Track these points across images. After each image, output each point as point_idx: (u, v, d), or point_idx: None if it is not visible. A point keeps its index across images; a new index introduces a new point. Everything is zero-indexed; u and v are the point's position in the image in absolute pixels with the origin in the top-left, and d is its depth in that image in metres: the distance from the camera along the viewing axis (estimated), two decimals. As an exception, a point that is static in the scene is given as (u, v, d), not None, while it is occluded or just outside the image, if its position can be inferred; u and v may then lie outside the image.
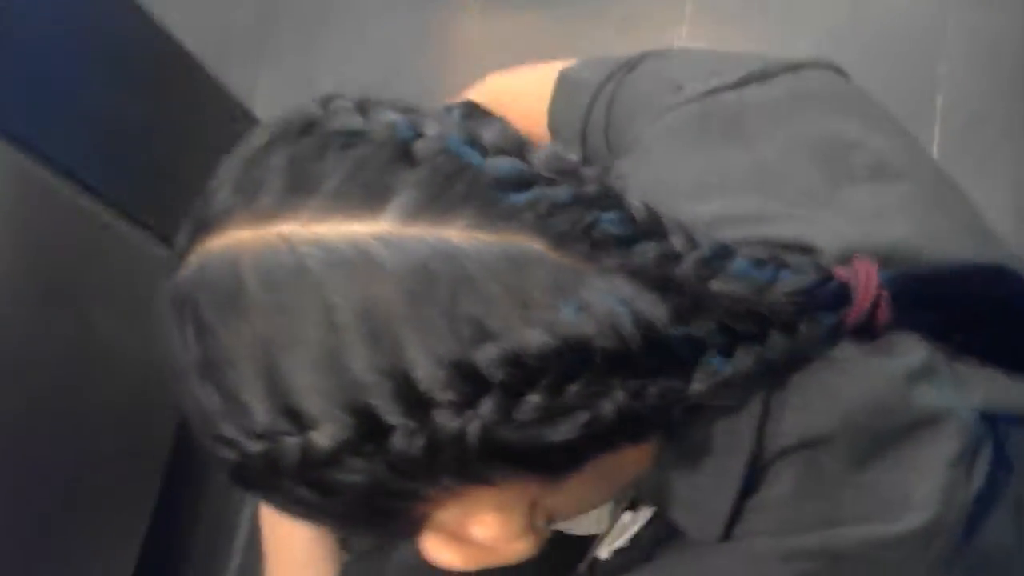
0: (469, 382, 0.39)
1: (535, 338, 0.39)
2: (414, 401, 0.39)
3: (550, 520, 0.48)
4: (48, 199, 1.06)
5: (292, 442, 0.40)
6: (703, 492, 0.48)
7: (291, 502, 0.44)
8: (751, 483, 0.47)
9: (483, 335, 0.39)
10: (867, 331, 0.46)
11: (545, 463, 0.43)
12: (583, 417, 0.41)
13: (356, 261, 0.39)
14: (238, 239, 0.41)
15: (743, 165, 0.51)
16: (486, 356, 0.39)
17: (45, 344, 1.05)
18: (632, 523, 0.55)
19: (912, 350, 0.47)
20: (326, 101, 0.44)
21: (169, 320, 0.43)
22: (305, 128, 0.43)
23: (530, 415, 0.40)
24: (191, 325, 0.42)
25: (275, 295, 0.40)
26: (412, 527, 0.46)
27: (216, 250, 0.42)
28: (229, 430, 0.42)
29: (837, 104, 0.55)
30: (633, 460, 0.48)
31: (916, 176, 0.54)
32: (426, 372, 0.39)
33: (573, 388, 0.40)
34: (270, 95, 1.67)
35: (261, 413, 0.40)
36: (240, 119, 1.48)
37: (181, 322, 0.42)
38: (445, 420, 0.39)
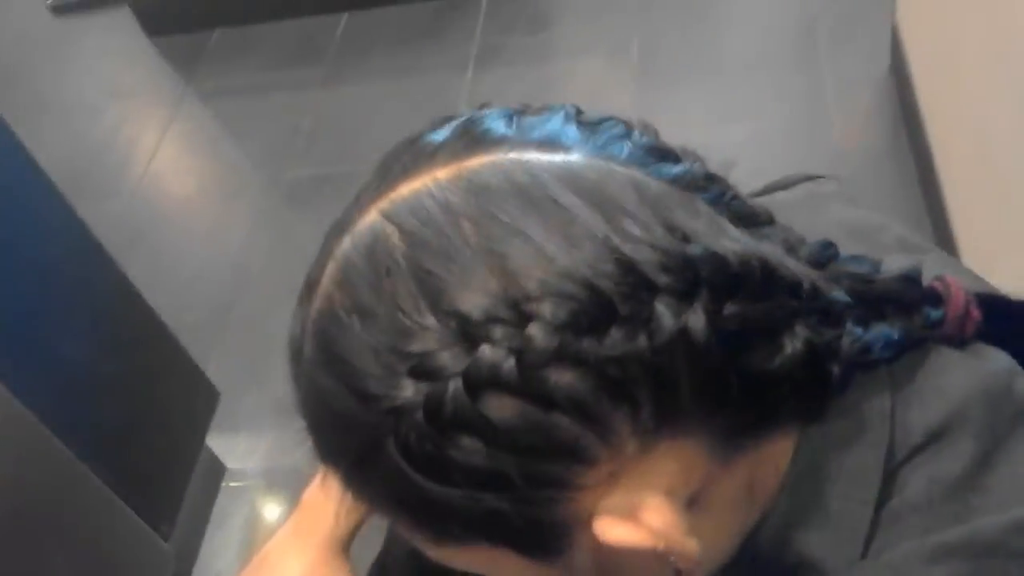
0: (684, 271, 0.40)
1: (731, 245, 0.42)
2: (638, 282, 0.40)
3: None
4: (21, 442, 1.07)
5: (508, 336, 0.39)
6: (840, 500, 0.46)
7: (470, 455, 0.40)
8: (884, 491, 0.46)
9: (688, 237, 0.41)
10: (961, 335, 0.49)
11: (735, 406, 0.43)
12: (774, 348, 0.43)
13: (564, 173, 0.43)
14: (433, 178, 0.43)
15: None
16: (696, 251, 0.41)
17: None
18: None
19: (1001, 355, 0.49)
20: (480, 105, 0.48)
21: (350, 274, 0.43)
22: (453, 116, 0.46)
23: (733, 323, 0.41)
24: (394, 252, 0.42)
25: (491, 198, 0.41)
26: (572, 520, 0.43)
27: (403, 193, 0.43)
28: (432, 341, 0.40)
29: (852, 201, 0.62)
30: (775, 463, 0.47)
31: (935, 250, 0.59)
32: (648, 256, 0.40)
33: (765, 306, 0.42)
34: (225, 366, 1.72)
35: (482, 303, 0.40)
36: (201, 390, 1.53)
37: (374, 261, 0.42)
38: (666, 310, 0.40)
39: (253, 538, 1.60)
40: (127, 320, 1.42)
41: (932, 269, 0.53)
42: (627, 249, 0.40)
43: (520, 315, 0.39)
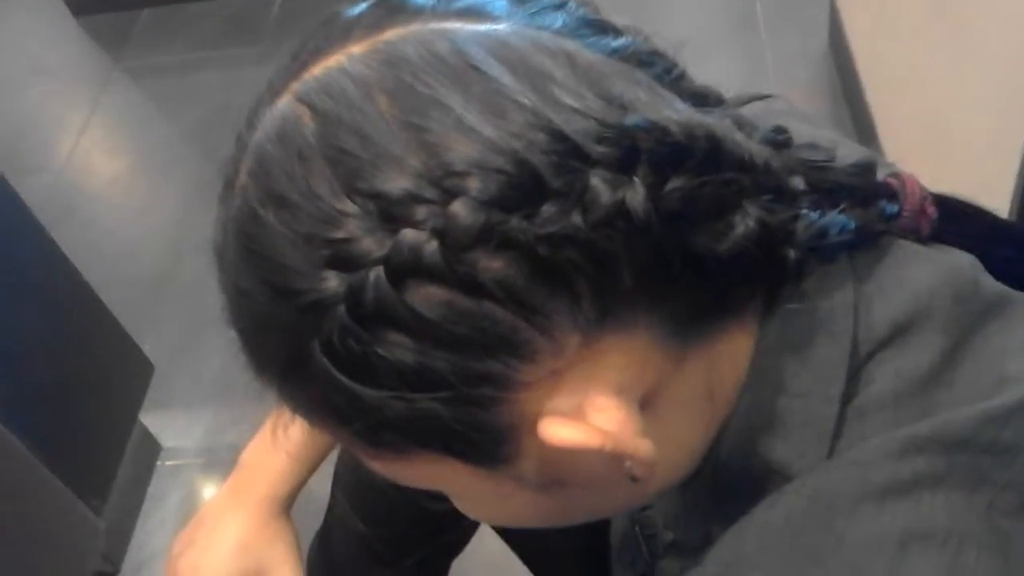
0: (621, 141, 0.38)
1: (674, 116, 0.39)
2: (570, 154, 0.37)
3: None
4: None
5: (431, 215, 0.36)
6: (804, 399, 0.45)
7: (397, 351, 0.38)
8: (849, 387, 0.44)
9: (626, 107, 0.39)
10: (917, 232, 0.48)
11: (682, 294, 0.41)
12: (723, 227, 0.40)
13: (490, 42, 0.39)
14: (347, 54, 0.40)
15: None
16: (634, 121, 0.38)
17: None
18: None
19: (962, 252, 0.48)
20: None
21: (263, 161, 0.40)
22: None
23: (677, 199, 0.38)
24: (306, 134, 0.39)
25: (409, 70, 0.38)
26: (514, 424, 0.40)
27: (316, 73, 0.40)
28: (352, 228, 0.37)
29: (805, 118, 0.59)
30: (733, 358, 0.45)
31: (891, 165, 0.62)
32: (580, 126, 0.37)
33: (713, 181, 0.39)
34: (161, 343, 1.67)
35: (400, 181, 0.37)
36: (134, 362, 1.48)
37: (286, 145, 0.39)
38: (602, 184, 0.37)
39: (191, 518, 1.55)
40: (56, 287, 1.37)
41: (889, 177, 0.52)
42: (558, 118, 0.37)
43: (443, 192, 0.36)
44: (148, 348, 1.60)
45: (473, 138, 0.37)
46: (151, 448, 1.58)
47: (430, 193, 0.36)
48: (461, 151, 0.36)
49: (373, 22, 0.41)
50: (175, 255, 1.89)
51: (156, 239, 1.95)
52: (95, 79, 2.37)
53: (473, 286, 0.37)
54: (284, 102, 0.40)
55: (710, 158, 0.39)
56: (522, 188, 0.36)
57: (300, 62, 0.41)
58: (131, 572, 1.49)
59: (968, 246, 0.49)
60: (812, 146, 0.47)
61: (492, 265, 0.36)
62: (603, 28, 0.43)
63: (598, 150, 0.37)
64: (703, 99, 0.45)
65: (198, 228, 1.92)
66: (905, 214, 0.47)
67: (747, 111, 0.59)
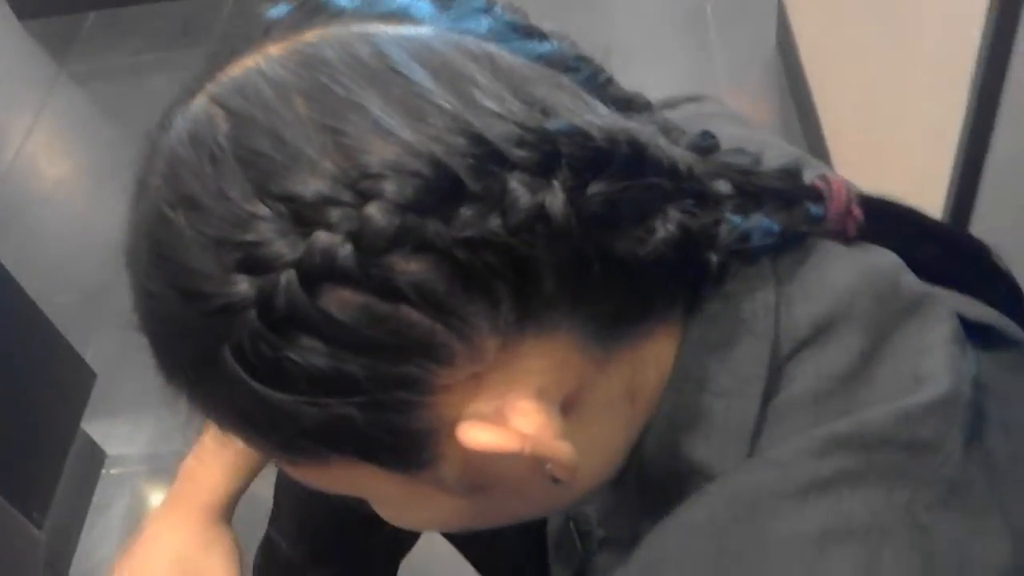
0: (541, 145, 0.37)
1: (597, 121, 0.39)
2: (489, 157, 0.36)
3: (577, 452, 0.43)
4: None
5: (345, 218, 0.35)
6: (726, 399, 0.45)
7: (311, 355, 0.37)
8: (769, 386, 0.44)
9: (547, 111, 0.38)
10: (843, 234, 0.48)
11: (602, 299, 0.40)
12: (644, 232, 0.40)
13: (412, 45, 0.39)
14: (264, 55, 0.39)
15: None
16: (555, 125, 0.38)
17: None
18: None
19: (886, 251, 0.49)
20: None
21: (173, 163, 0.39)
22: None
23: (598, 204, 0.38)
24: (218, 136, 0.37)
25: (327, 71, 0.37)
26: (433, 427, 0.40)
27: (231, 74, 0.39)
28: (262, 230, 0.36)
29: (735, 120, 0.61)
30: (655, 364, 0.45)
31: (822, 167, 0.60)
32: (500, 129, 0.37)
33: (634, 186, 0.39)
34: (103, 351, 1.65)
35: (316, 184, 0.36)
36: (74, 369, 1.45)
37: (198, 146, 0.38)
38: (520, 188, 0.36)
39: (136, 527, 1.52)
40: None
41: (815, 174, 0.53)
42: (478, 122, 0.37)
43: (359, 195, 0.35)
44: (91, 355, 1.58)
45: (390, 141, 0.36)
46: (95, 456, 1.56)
47: (345, 196, 0.35)
48: (377, 153, 0.35)
49: (293, 23, 0.40)
50: (119, 261, 1.86)
51: (100, 245, 1.92)
52: (40, 83, 2.33)
53: (388, 290, 0.36)
54: (198, 103, 0.39)
55: (632, 163, 0.39)
56: (439, 191, 0.35)
57: (216, 63, 0.40)
58: (84, 576, 1.47)
59: (894, 246, 0.49)
60: (738, 151, 0.47)
61: (408, 269, 0.36)
62: (529, 33, 0.43)
63: (517, 154, 0.36)
64: (629, 104, 0.45)
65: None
66: (830, 216, 0.47)
67: (678, 114, 0.60)
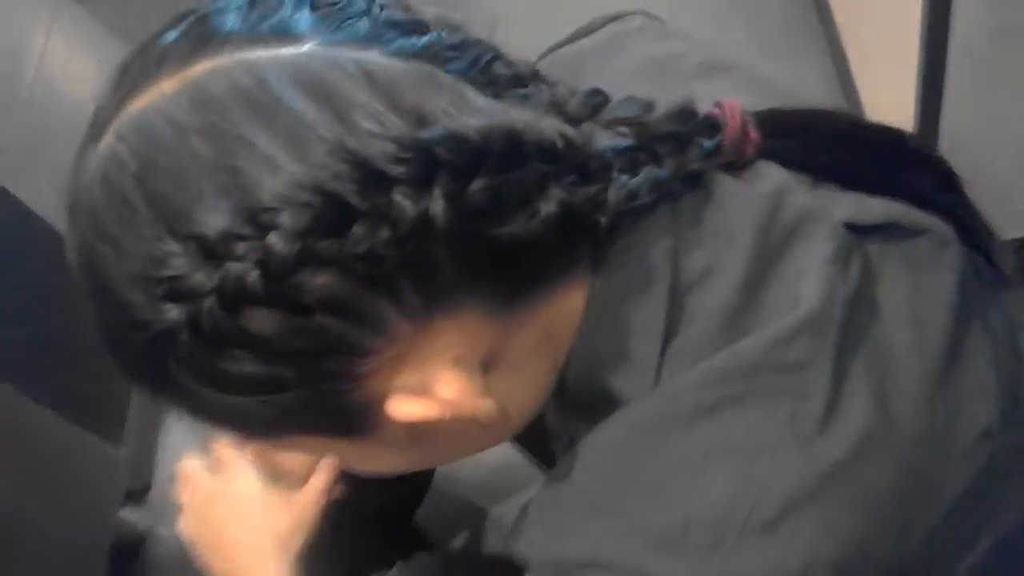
0: (420, 157, 0.41)
1: (472, 121, 0.43)
2: (372, 178, 0.40)
3: (502, 404, 0.49)
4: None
5: (251, 249, 0.40)
6: (631, 340, 0.49)
7: (242, 365, 0.42)
8: (671, 327, 0.49)
9: (425, 120, 0.42)
10: (741, 158, 0.51)
11: (501, 275, 0.45)
12: (529, 213, 0.44)
13: (292, 70, 0.42)
14: (160, 92, 0.43)
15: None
16: (431, 134, 0.41)
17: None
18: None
19: (775, 171, 0.52)
20: None
21: (91, 199, 0.43)
22: (189, 12, 0.46)
23: (480, 198, 0.42)
24: (125, 178, 0.42)
25: (217, 109, 0.41)
26: (369, 402, 0.46)
27: (132, 111, 0.43)
28: (180, 265, 0.41)
29: (657, 35, 0.64)
30: (567, 312, 0.50)
31: (743, 67, 0.62)
32: (380, 148, 0.41)
33: (514, 176, 0.43)
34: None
35: (219, 222, 0.40)
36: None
37: (110, 187, 0.42)
38: (404, 200, 0.41)
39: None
40: (34, 242, 1.41)
41: (725, 93, 0.54)
42: (357, 146, 0.41)
43: (259, 227, 0.40)
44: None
45: (280, 175, 0.40)
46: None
47: (246, 230, 0.40)
48: (270, 188, 0.40)
49: (183, 54, 0.44)
50: None
51: None
52: (44, 6, 2.32)
53: (299, 306, 0.41)
54: (106, 143, 0.44)
55: (509, 155, 0.43)
56: (330, 216, 0.40)
57: (119, 97, 0.44)
58: (163, 484, 1.60)
59: (795, 157, 0.52)
60: (628, 100, 0.51)
61: (314, 284, 0.41)
62: (407, 28, 0.46)
63: (397, 170, 0.41)
64: (514, 80, 0.48)
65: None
66: (725, 145, 0.51)
67: (593, 40, 0.62)
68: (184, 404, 0.47)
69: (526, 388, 0.52)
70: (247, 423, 0.47)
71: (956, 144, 1.08)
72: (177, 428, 1.61)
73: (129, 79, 0.44)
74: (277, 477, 0.77)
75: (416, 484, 1.03)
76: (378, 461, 0.53)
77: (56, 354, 1.38)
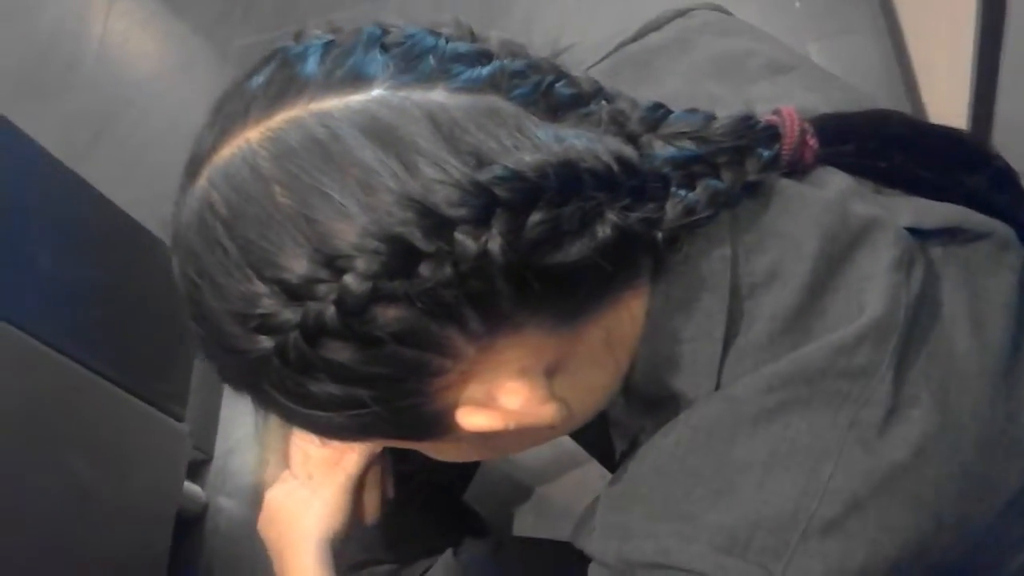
0: (479, 198, 0.43)
1: (528, 158, 0.44)
2: (435, 222, 0.43)
3: (567, 403, 0.51)
4: (19, 359, 1.12)
5: (329, 290, 0.43)
6: (694, 343, 0.51)
7: (326, 387, 0.46)
8: (732, 329, 0.50)
9: (483, 160, 0.44)
10: (801, 164, 0.52)
11: (560, 297, 0.47)
12: (586, 240, 0.45)
13: (361, 118, 0.44)
14: (245, 139, 0.45)
15: (656, 100, 0.54)
16: (490, 174, 0.43)
17: (31, 493, 1.12)
18: None
19: (839, 177, 0.53)
20: (296, 34, 0.49)
21: (191, 238, 0.47)
22: (277, 52, 0.49)
23: (537, 231, 0.44)
24: (218, 224, 0.45)
25: (295, 161, 0.44)
26: (441, 412, 0.49)
27: (224, 157, 0.46)
28: (268, 304, 0.44)
29: (723, 30, 0.64)
30: (629, 318, 0.51)
31: (803, 66, 0.63)
32: (442, 194, 0.43)
33: (570, 206, 0.45)
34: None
35: (299, 267, 0.43)
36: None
37: (206, 230, 0.46)
38: (465, 239, 0.43)
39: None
40: (94, 222, 1.45)
41: (791, 93, 0.55)
42: (421, 193, 0.43)
43: (336, 271, 0.43)
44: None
45: (353, 224, 0.43)
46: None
47: (323, 274, 0.44)
48: (344, 236, 0.43)
49: (266, 103, 0.47)
50: None
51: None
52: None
53: (372, 338, 0.45)
54: (200, 186, 0.47)
55: (566, 187, 0.45)
56: (399, 259, 0.43)
57: (212, 140, 0.47)
58: (223, 456, 1.66)
59: (855, 162, 0.53)
60: (690, 112, 0.52)
61: (385, 319, 0.44)
62: (471, 59, 0.48)
63: (459, 213, 0.43)
64: (576, 100, 0.49)
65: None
66: (784, 153, 0.52)
67: (661, 36, 0.63)
68: (277, 413, 0.50)
69: (589, 390, 0.54)
70: (332, 432, 0.51)
71: (1010, 130, 1.06)
72: (235, 405, 1.67)
73: (220, 123, 0.47)
74: (308, 475, 0.81)
75: (466, 464, 1.06)
76: (450, 454, 0.56)
77: (121, 333, 1.43)
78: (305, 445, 0.83)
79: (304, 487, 0.81)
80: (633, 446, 0.61)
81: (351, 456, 0.80)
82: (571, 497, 1.27)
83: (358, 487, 0.80)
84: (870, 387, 0.48)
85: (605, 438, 0.63)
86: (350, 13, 1.99)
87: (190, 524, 1.54)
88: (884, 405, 0.48)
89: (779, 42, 0.65)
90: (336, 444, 0.80)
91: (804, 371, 0.48)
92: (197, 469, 1.62)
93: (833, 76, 0.64)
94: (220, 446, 1.67)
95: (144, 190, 1.56)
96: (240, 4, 2.13)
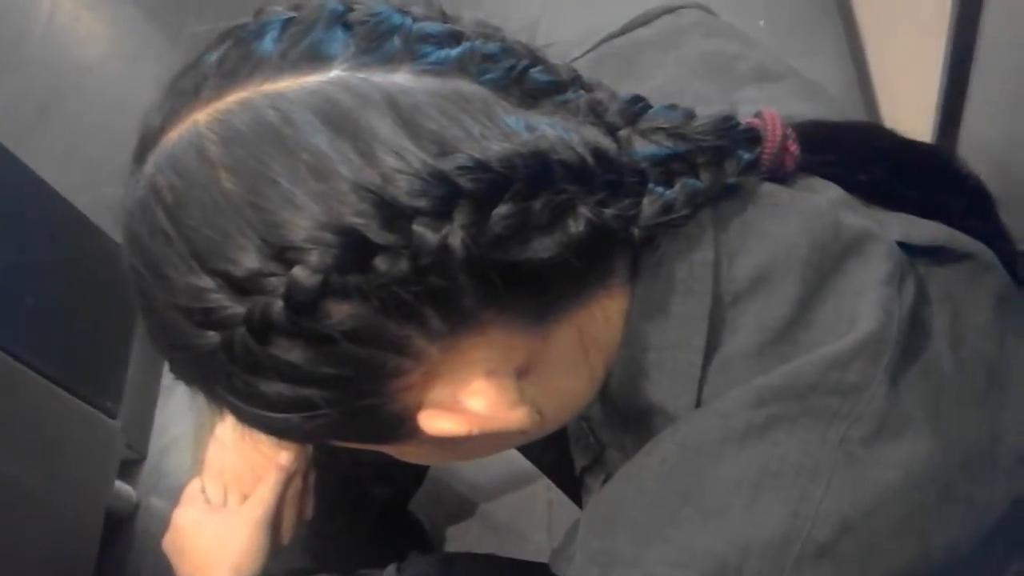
0: (440, 189, 0.40)
1: (496, 147, 0.42)
2: (392, 213, 0.40)
3: (538, 408, 0.48)
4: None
5: (278, 283, 0.41)
6: (673, 351, 0.48)
7: (276, 387, 0.43)
8: (714, 337, 0.48)
9: (446, 148, 0.41)
10: (781, 170, 0.50)
11: (529, 295, 0.44)
12: (556, 235, 0.43)
13: (317, 101, 0.42)
14: (193, 120, 0.43)
15: (640, 93, 0.53)
16: (453, 163, 0.41)
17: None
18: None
19: (829, 187, 0.51)
20: (256, 11, 0.47)
21: (136, 226, 0.44)
22: (233, 29, 0.46)
23: (503, 225, 0.41)
24: (161, 211, 0.42)
25: (243, 146, 0.41)
26: (402, 414, 0.46)
27: (171, 140, 0.43)
28: (214, 298, 0.42)
29: (713, 30, 0.62)
30: (604, 320, 0.49)
31: (792, 76, 0.61)
32: (399, 184, 0.40)
33: (540, 200, 0.42)
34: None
35: (247, 259, 0.41)
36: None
37: (150, 217, 0.43)
38: (425, 231, 0.40)
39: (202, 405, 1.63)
40: (35, 208, 1.40)
41: (778, 98, 0.53)
42: (378, 183, 0.40)
43: (284, 263, 0.41)
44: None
45: (304, 214, 0.40)
46: (157, 343, 1.65)
47: (271, 267, 0.41)
48: (294, 227, 0.40)
49: (217, 83, 0.44)
50: None
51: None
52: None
53: (323, 336, 0.42)
54: (147, 171, 0.44)
55: (535, 179, 0.42)
56: (352, 252, 0.40)
57: (161, 121, 0.45)
58: (156, 456, 1.60)
59: (837, 172, 0.52)
60: (670, 108, 0.49)
61: (337, 316, 0.41)
62: (441, 40, 0.45)
63: (418, 204, 0.40)
64: (551, 88, 0.47)
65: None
66: (765, 157, 0.50)
67: (650, 31, 0.61)
68: (229, 412, 0.48)
69: (562, 394, 0.51)
70: (287, 434, 0.47)
71: (977, 151, 1.06)
72: (171, 403, 1.62)
73: (170, 102, 0.45)
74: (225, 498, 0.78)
75: (415, 472, 1.03)
76: (412, 456, 0.53)
77: (54, 325, 1.38)
78: (221, 456, 0.80)
79: (216, 513, 0.78)
80: (596, 462, 0.59)
81: (268, 482, 0.77)
82: (516, 513, 1.25)
83: (276, 518, 0.77)
84: (861, 404, 0.46)
85: (561, 453, 0.60)
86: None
87: (119, 524, 1.49)
88: (875, 423, 0.46)
89: (769, 50, 0.63)
90: (257, 457, 0.77)
91: (794, 386, 0.46)
92: (129, 468, 1.56)
93: (821, 88, 0.63)
94: (154, 444, 1.61)
95: (85, 176, 1.51)
96: (195, -9, 2.08)
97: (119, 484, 1.47)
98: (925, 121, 1.14)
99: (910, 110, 1.30)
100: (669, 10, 0.64)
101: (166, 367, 1.72)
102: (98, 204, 1.53)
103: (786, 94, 0.59)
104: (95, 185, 1.47)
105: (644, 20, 0.63)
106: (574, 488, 0.63)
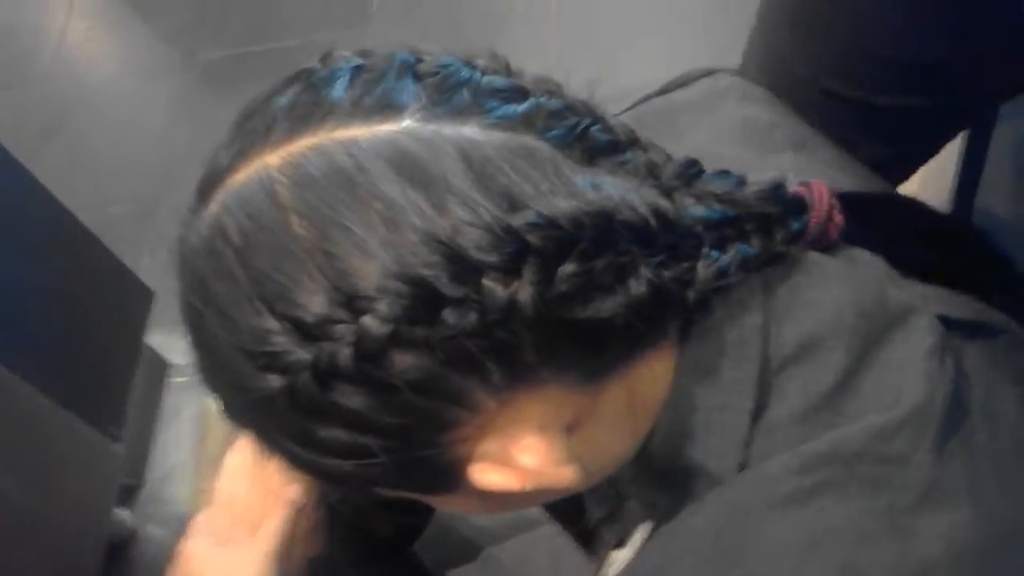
0: (511, 244, 0.41)
1: (564, 205, 0.42)
2: (463, 266, 0.40)
3: (583, 464, 0.48)
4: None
5: (346, 331, 0.41)
6: (719, 412, 0.48)
7: (334, 432, 0.43)
8: (761, 401, 0.48)
9: (516, 203, 0.42)
10: (825, 239, 0.51)
11: (587, 354, 0.45)
12: (619, 296, 0.43)
13: (389, 150, 0.42)
14: (264, 163, 0.43)
15: (679, 154, 0.54)
16: (523, 219, 0.41)
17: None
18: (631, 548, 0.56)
19: (873, 258, 0.52)
20: (323, 56, 0.47)
21: (200, 265, 0.44)
22: (301, 73, 0.46)
23: (569, 284, 0.42)
24: (230, 253, 0.42)
25: (316, 191, 0.41)
26: (454, 466, 0.46)
27: (240, 181, 0.43)
28: (280, 342, 0.42)
29: (749, 96, 0.64)
30: (652, 380, 0.49)
31: (824, 144, 0.62)
32: (471, 237, 0.41)
33: (603, 259, 0.43)
34: (159, 259, 1.70)
35: (316, 305, 0.41)
36: (132, 290, 1.50)
37: (216, 257, 0.43)
38: (495, 286, 0.41)
39: (205, 430, 1.61)
40: (41, 225, 1.38)
41: (814, 168, 0.53)
42: (449, 235, 0.41)
43: (354, 311, 0.41)
44: (146, 264, 1.63)
45: (374, 262, 0.40)
46: (160, 367, 1.64)
47: (341, 314, 0.41)
48: (365, 275, 0.41)
49: (288, 126, 0.44)
50: (166, 167, 1.82)
51: (145, 151, 1.90)
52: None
53: (387, 385, 0.42)
54: (212, 211, 0.44)
55: (601, 238, 0.43)
56: (422, 303, 0.41)
57: (228, 161, 0.45)
58: (155, 483, 1.58)
59: (878, 244, 0.52)
60: (722, 174, 0.50)
61: (403, 366, 0.41)
62: (507, 95, 0.46)
63: (488, 259, 0.41)
64: (612, 146, 0.48)
65: (185, 140, 1.92)
66: (811, 227, 0.50)
67: (690, 92, 0.62)
68: (280, 455, 0.47)
69: (606, 452, 0.51)
70: (337, 479, 0.47)
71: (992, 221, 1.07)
72: (170, 431, 1.59)
73: (239, 143, 0.45)
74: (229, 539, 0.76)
75: (420, 514, 1.01)
76: (454, 507, 0.53)
77: (59, 344, 1.35)
78: (231, 487, 0.78)
79: (225, 545, 0.75)
80: (612, 516, 0.59)
81: (277, 516, 0.75)
82: (521, 559, 1.22)
83: (285, 552, 0.75)
84: (908, 474, 0.46)
85: (572, 501, 0.59)
86: (327, 35, 1.96)
87: (116, 550, 1.46)
88: (920, 493, 0.46)
89: (797, 117, 0.64)
90: (267, 490, 0.75)
91: (841, 453, 0.46)
92: (127, 495, 1.53)
93: (853, 159, 0.64)
94: (155, 472, 1.58)
95: (92, 194, 1.49)
96: (211, 17, 2.10)
97: (116, 510, 1.44)
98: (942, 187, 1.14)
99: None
100: (707, 73, 0.65)
101: (166, 394, 1.70)
102: (106, 222, 1.51)
103: (823, 164, 0.60)
104: (101, 205, 1.46)
105: (682, 82, 0.65)
106: (582, 536, 0.62)
